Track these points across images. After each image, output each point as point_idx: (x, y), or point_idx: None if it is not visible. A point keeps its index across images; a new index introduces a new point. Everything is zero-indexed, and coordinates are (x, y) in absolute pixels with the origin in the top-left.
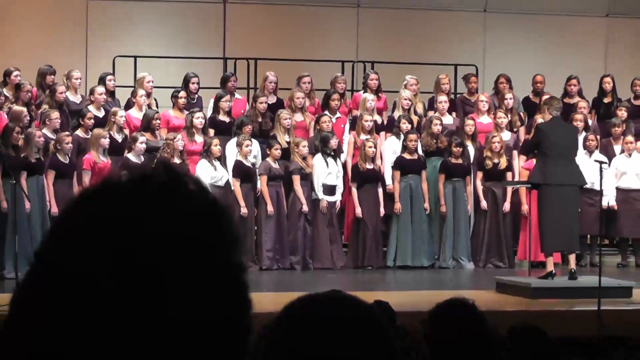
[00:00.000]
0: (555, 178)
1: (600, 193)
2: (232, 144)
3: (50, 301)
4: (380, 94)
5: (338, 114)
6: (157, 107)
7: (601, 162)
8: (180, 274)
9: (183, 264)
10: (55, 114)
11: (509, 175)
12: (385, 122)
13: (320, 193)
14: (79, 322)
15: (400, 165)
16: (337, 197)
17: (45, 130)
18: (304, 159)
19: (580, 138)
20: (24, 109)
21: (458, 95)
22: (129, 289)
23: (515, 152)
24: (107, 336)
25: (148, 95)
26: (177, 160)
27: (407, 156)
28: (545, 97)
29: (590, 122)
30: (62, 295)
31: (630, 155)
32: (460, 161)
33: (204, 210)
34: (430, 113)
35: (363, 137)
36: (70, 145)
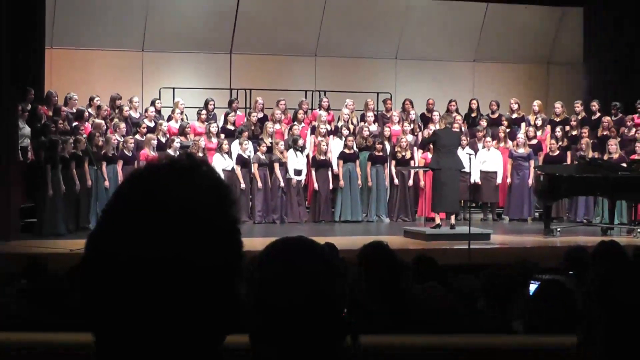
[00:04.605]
0: (445, 165)
1: (469, 174)
2: (235, 143)
3: (110, 241)
4: (329, 111)
5: (303, 124)
6: (187, 120)
7: (470, 154)
8: (195, 222)
9: (198, 216)
10: (122, 125)
11: (412, 162)
12: (333, 129)
13: (291, 174)
14: (126, 255)
15: (342, 156)
16: (303, 177)
17: (116, 135)
18: (281, 152)
19: None
20: (102, 122)
21: (379, 112)
22: (159, 231)
23: (415, 148)
24: (144, 267)
25: (181, 112)
26: (200, 154)
27: (347, 151)
28: (435, 112)
29: (463, 128)
30: (119, 237)
31: (489, 149)
32: (380, 154)
33: (211, 184)
34: (362, 123)
35: (319, 139)
36: (133, 144)
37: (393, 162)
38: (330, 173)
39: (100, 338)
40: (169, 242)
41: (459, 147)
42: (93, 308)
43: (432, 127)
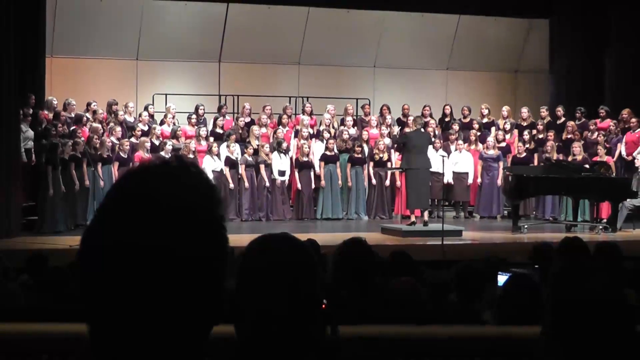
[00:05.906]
0: (416, 165)
1: (442, 174)
2: (224, 146)
3: (105, 235)
4: (312, 116)
5: (287, 128)
6: (178, 124)
7: (443, 156)
8: (184, 218)
9: (186, 212)
10: (118, 129)
11: (389, 164)
12: (315, 133)
13: (276, 175)
14: (119, 247)
15: (324, 158)
16: (286, 177)
17: (112, 138)
18: (267, 155)
19: None
20: (99, 126)
21: (358, 117)
22: (150, 225)
23: (392, 150)
24: (136, 258)
25: (173, 117)
26: (191, 156)
27: (328, 153)
28: (410, 117)
29: (437, 132)
30: (113, 231)
31: (460, 152)
32: (360, 156)
33: (199, 184)
34: (342, 127)
35: (302, 142)
36: (128, 147)
37: (371, 164)
38: (312, 174)
39: (95, 328)
40: (159, 235)
41: (431, 148)
42: (88, 297)
43: (407, 131)
